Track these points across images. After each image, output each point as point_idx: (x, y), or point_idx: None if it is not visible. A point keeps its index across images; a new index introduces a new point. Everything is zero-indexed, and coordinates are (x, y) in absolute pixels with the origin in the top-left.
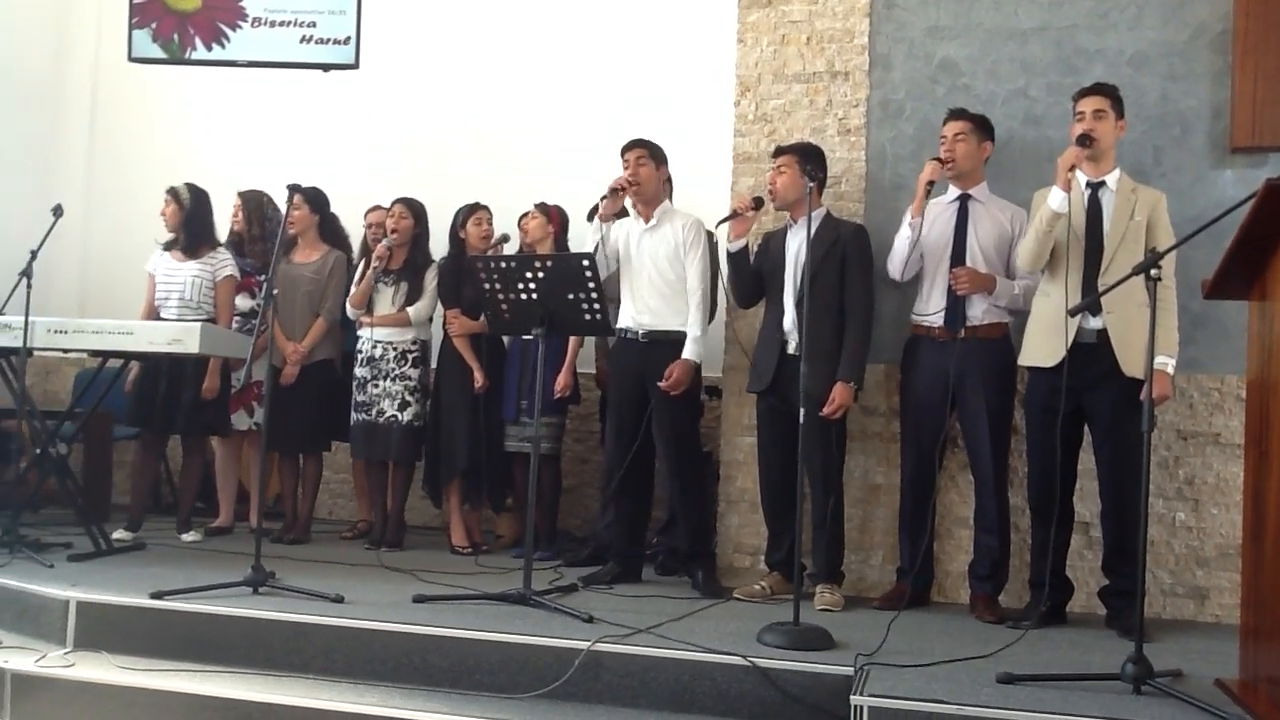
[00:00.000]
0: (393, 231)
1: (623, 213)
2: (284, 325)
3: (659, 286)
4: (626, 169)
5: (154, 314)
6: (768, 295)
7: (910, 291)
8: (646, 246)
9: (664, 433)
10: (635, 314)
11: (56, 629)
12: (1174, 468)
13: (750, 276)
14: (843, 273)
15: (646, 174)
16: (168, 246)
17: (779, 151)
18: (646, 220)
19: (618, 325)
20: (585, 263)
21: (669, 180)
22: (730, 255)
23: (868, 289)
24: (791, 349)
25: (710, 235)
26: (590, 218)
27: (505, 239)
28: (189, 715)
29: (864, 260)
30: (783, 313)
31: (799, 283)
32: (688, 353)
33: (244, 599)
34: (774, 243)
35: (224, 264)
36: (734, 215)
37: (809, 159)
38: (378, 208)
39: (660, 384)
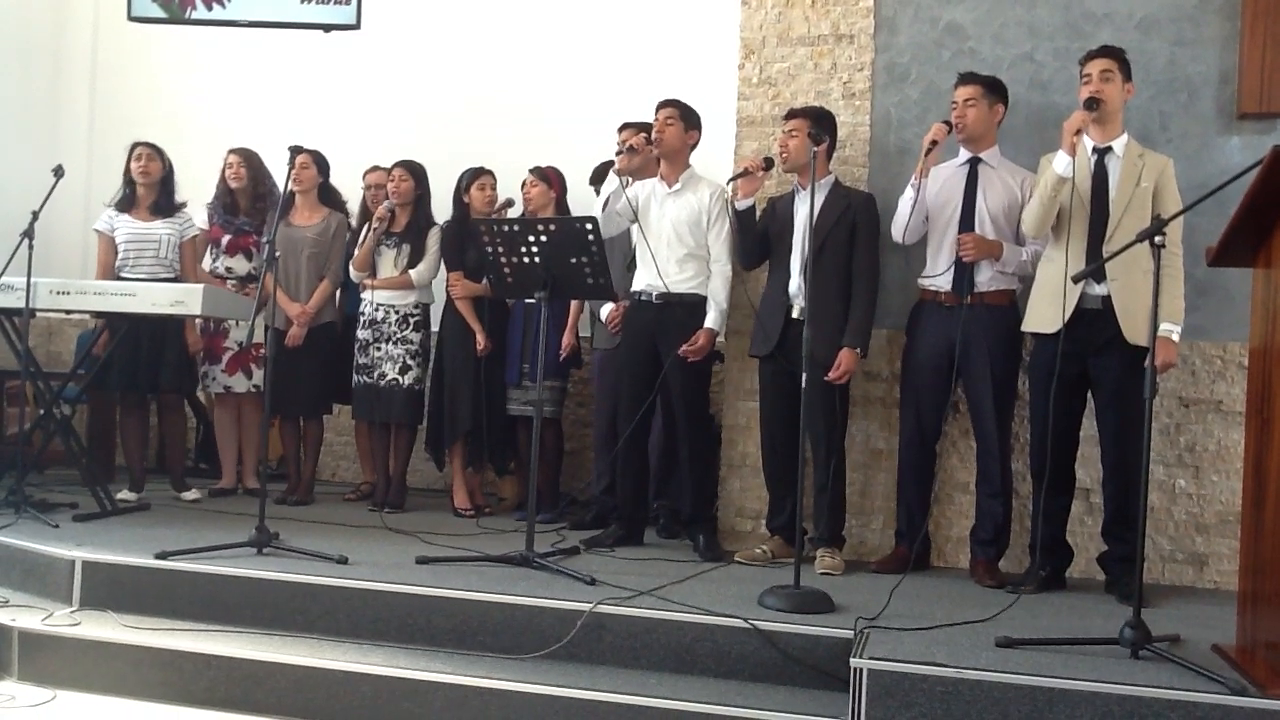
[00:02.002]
0: (393, 194)
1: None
2: (287, 287)
3: (675, 251)
4: (655, 125)
5: (111, 275)
6: (772, 259)
7: (915, 257)
8: (669, 210)
9: (675, 396)
10: (650, 276)
11: (63, 588)
12: (1175, 435)
13: (756, 238)
14: (851, 240)
15: (672, 134)
16: (122, 206)
17: (791, 115)
18: (670, 184)
19: (633, 288)
20: (588, 226)
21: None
22: (737, 214)
23: (874, 256)
24: (796, 313)
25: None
26: (592, 181)
27: (510, 203)
28: (194, 674)
29: (872, 228)
30: (788, 277)
31: (805, 248)
32: (710, 321)
33: (248, 559)
34: (780, 206)
35: (189, 224)
36: (744, 174)
37: (818, 123)
38: (376, 168)
39: (683, 349)
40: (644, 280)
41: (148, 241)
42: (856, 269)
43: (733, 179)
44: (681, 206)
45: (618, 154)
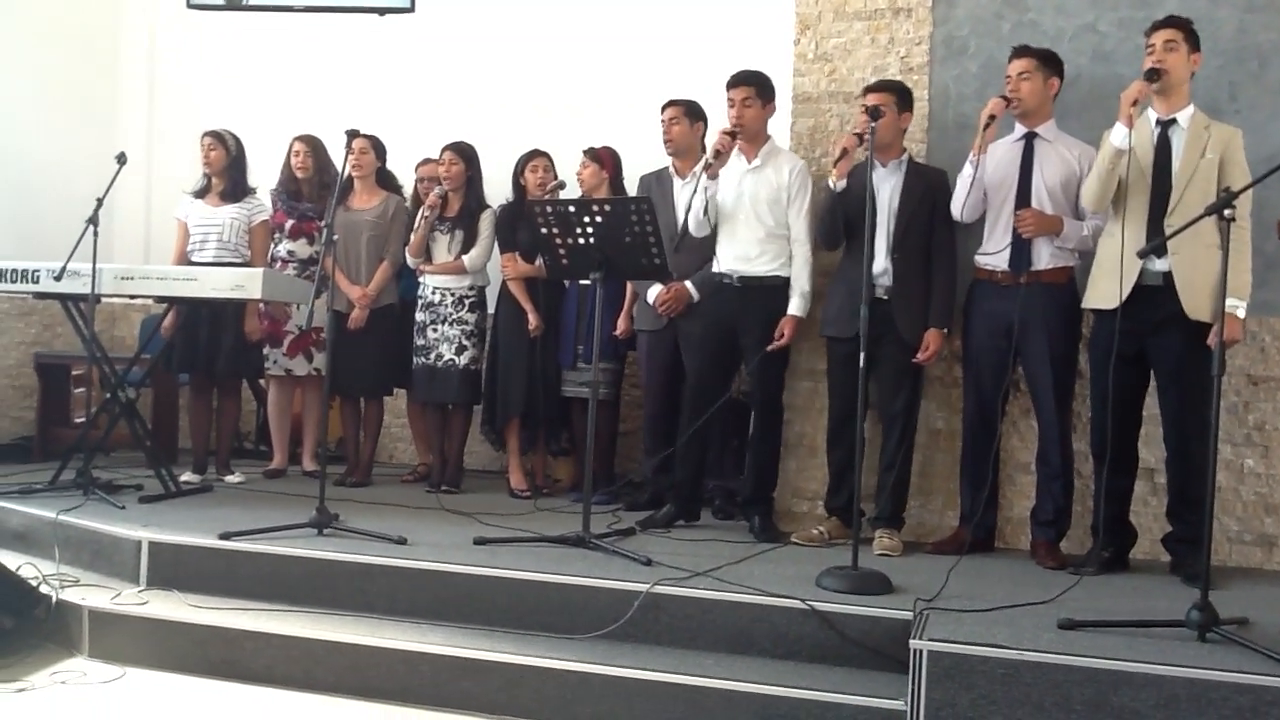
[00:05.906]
0: (444, 178)
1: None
2: (348, 271)
3: (754, 230)
4: (731, 109)
5: (185, 260)
6: (848, 238)
7: (972, 235)
8: (747, 188)
9: (755, 383)
10: (730, 259)
11: (130, 568)
12: (1243, 413)
13: (841, 218)
14: (931, 219)
15: (752, 115)
16: (200, 193)
17: (878, 87)
18: (750, 159)
19: (715, 269)
20: (643, 207)
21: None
22: (835, 196)
23: (951, 234)
24: (881, 294)
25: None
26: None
27: (562, 185)
28: (256, 652)
29: (947, 206)
30: (870, 257)
31: (890, 228)
32: (794, 308)
33: (309, 540)
34: (854, 184)
35: (259, 209)
36: (844, 154)
37: (902, 98)
38: (428, 161)
39: (771, 348)
40: (725, 262)
41: (212, 226)
42: (935, 248)
43: (837, 161)
44: (761, 183)
45: (707, 165)
